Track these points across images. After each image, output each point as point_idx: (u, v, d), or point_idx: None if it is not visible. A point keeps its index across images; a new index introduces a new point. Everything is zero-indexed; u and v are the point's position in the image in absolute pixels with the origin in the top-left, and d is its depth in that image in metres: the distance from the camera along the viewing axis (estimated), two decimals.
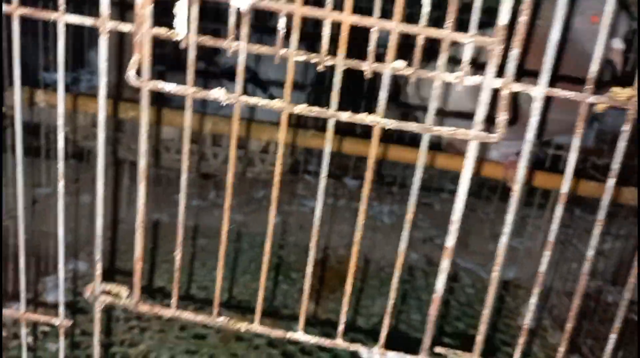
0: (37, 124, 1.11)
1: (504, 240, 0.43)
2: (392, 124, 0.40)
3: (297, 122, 1.41)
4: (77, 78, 1.89)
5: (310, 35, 1.46)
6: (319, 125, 1.62)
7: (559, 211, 0.45)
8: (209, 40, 0.41)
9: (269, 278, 1.44)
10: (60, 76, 0.43)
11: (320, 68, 0.41)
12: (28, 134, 1.14)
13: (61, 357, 0.50)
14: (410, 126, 0.40)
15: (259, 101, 0.40)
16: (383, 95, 0.40)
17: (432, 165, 1.06)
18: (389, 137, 1.29)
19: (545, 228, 1.64)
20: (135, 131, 1.12)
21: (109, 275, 1.35)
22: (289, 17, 0.39)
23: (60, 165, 0.47)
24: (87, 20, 0.41)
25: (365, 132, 1.74)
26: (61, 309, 0.50)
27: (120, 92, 1.37)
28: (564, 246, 1.54)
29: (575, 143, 0.41)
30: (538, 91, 0.39)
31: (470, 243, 1.84)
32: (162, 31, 0.41)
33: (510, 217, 0.42)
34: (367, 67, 0.41)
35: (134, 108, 1.04)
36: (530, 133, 0.40)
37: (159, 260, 1.45)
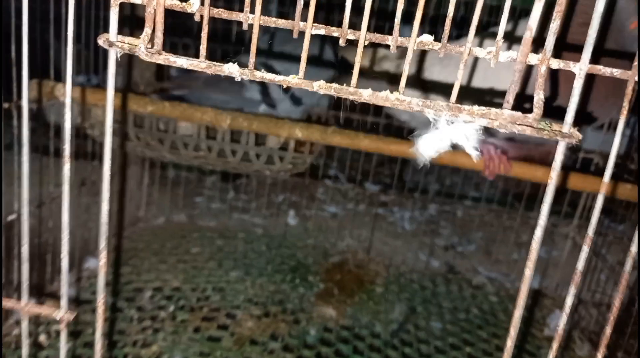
0: (56, 121, 1.10)
1: (535, 248, 0.39)
2: (419, 103, 0.37)
3: (318, 119, 1.40)
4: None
5: (328, 6, 1.44)
6: (340, 123, 1.60)
7: (595, 215, 0.41)
8: (223, 13, 0.39)
9: (285, 280, 1.41)
10: (70, 57, 0.41)
11: (342, 42, 0.39)
12: (49, 131, 1.14)
13: (62, 351, 0.48)
14: (438, 106, 0.37)
15: (274, 76, 0.38)
16: (406, 70, 0.37)
17: (454, 164, 1.02)
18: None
19: (574, 236, 1.58)
20: (153, 126, 1.10)
21: (116, 276, 1.34)
22: None
23: (67, 155, 0.45)
24: None
25: (387, 126, 1.70)
26: (63, 301, 0.47)
27: (138, 87, 1.37)
28: (591, 256, 1.47)
29: (620, 125, 0.37)
30: (580, 67, 0.36)
31: (494, 252, 1.78)
32: (175, 2, 0.39)
33: (542, 223, 0.38)
34: (392, 41, 0.38)
35: (153, 103, 1.02)
36: (570, 116, 0.37)
37: (176, 260, 1.44)
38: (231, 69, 0.37)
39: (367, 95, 0.37)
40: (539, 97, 0.36)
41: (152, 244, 1.52)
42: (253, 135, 1.09)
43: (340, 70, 1.37)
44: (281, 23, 0.39)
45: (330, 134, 1.02)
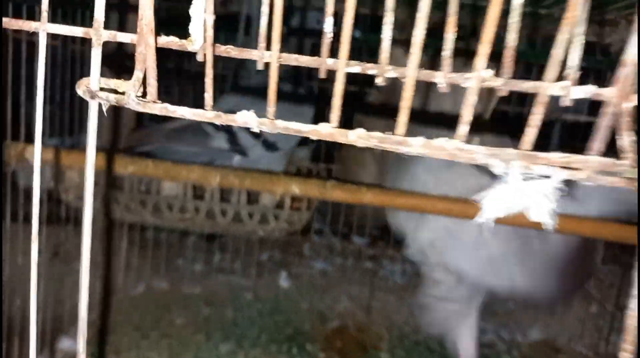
0: (27, 185, 1.01)
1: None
2: (484, 152, 0.30)
3: (298, 171, 1.33)
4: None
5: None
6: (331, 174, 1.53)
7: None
8: (233, 50, 0.32)
9: (282, 351, 1.29)
10: (39, 100, 0.33)
11: (379, 81, 0.32)
12: (18, 196, 1.04)
13: None
14: (507, 154, 0.30)
15: (300, 126, 0.30)
16: (467, 114, 0.30)
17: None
18: None
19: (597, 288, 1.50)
20: (134, 188, 1.01)
21: (101, 352, 1.20)
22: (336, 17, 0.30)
23: (35, 225, 0.36)
24: (76, 30, 0.32)
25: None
26: None
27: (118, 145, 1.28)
28: (603, 307, 1.40)
29: None
30: None
31: (494, 305, 1.68)
32: (172, 40, 0.31)
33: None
34: (443, 78, 0.31)
35: (134, 162, 0.94)
36: None
37: (159, 334, 1.30)
38: (247, 118, 0.30)
39: (419, 145, 0.30)
40: (630, 139, 0.29)
41: (132, 316, 1.39)
42: (245, 193, 1.01)
43: (321, 103, 1.34)
44: (305, 61, 0.32)
45: (330, 189, 0.94)
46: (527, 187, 0.31)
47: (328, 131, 0.30)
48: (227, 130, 1.17)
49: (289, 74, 1.34)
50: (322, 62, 0.32)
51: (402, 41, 0.85)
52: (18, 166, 0.99)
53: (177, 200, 1.02)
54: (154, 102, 0.30)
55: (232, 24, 1.48)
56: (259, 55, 0.31)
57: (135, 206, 1.03)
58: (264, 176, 0.96)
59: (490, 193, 0.32)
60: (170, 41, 0.31)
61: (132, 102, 0.30)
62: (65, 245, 1.28)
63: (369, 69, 0.31)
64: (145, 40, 0.30)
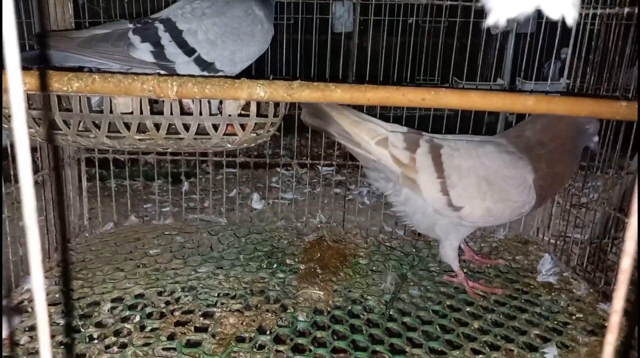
0: None
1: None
2: None
3: None
4: None
5: None
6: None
7: None
8: None
9: (262, 268, 1.27)
10: None
11: None
12: None
13: None
14: None
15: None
16: None
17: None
18: None
19: None
20: (85, 107, 0.93)
21: None
22: None
23: None
24: None
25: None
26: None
27: None
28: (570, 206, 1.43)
29: None
30: None
31: None
32: None
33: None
34: None
35: (78, 78, 0.85)
36: None
37: (133, 265, 1.26)
38: None
39: None
40: None
41: (103, 252, 1.34)
42: (207, 103, 0.94)
43: None
44: None
45: (297, 89, 0.88)
46: None
47: None
48: (155, 41, 1.05)
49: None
50: None
51: None
52: None
53: (133, 117, 0.94)
54: None
55: None
56: None
57: (89, 129, 0.95)
58: (225, 81, 0.89)
59: None
60: None
61: None
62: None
63: None
64: None
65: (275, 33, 1.22)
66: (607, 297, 1.20)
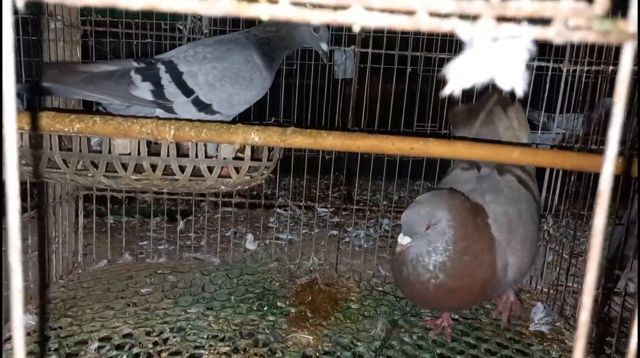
0: None
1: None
2: (449, 5, 0.28)
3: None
4: None
5: None
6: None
7: None
8: None
9: (252, 310, 1.27)
10: None
11: None
12: None
13: None
14: (473, 6, 0.28)
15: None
16: None
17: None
18: None
19: (547, 229, 1.55)
20: (84, 147, 0.95)
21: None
22: None
23: None
24: None
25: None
26: None
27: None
28: (563, 241, 1.44)
29: None
30: None
31: None
32: None
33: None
34: None
35: (80, 119, 0.88)
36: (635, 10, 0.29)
37: (124, 303, 1.26)
38: None
39: (379, 7, 0.28)
40: None
41: (94, 290, 1.33)
42: (202, 146, 0.97)
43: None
44: None
45: (291, 135, 0.91)
46: (495, 50, 0.29)
47: None
48: (155, 81, 1.09)
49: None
50: None
51: None
52: None
53: (131, 158, 0.97)
54: None
55: None
56: None
57: (87, 168, 0.98)
58: (221, 126, 0.92)
59: (457, 61, 0.30)
60: None
61: None
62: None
63: None
64: None
65: (277, 78, 1.27)
66: (600, 350, 1.19)
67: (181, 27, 1.95)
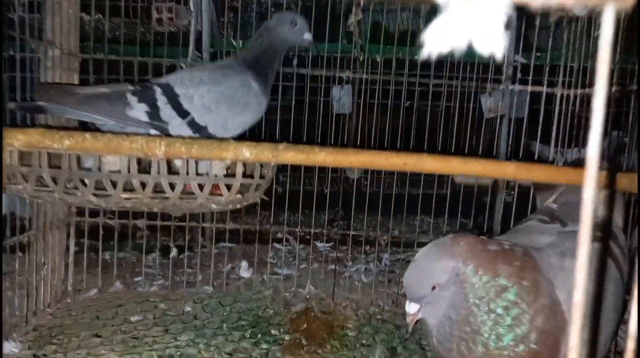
0: None
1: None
2: None
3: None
4: None
5: None
6: None
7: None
8: None
9: (245, 337, 1.22)
10: None
11: None
12: None
13: None
14: None
15: None
16: None
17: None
18: None
19: None
20: (73, 164, 0.94)
21: None
22: None
23: None
24: None
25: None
26: None
27: None
28: None
29: None
30: None
31: None
32: None
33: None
34: None
35: (70, 136, 0.87)
36: None
37: (111, 331, 1.22)
38: None
39: None
40: None
41: (83, 318, 1.29)
42: (193, 163, 0.95)
43: None
44: None
45: (282, 151, 0.90)
46: (472, 13, 0.28)
47: None
48: (151, 103, 1.09)
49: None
50: None
51: None
52: None
53: (121, 176, 0.95)
54: None
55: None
56: None
57: (75, 186, 0.96)
58: (212, 142, 0.91)
59: (433, 26, 0.29)
60: None
61: None
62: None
63: None
64: None
65: (273, 114, 1.26)
66: None
67: (183, 65, 1.99)
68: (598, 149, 0.31)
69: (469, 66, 1.73)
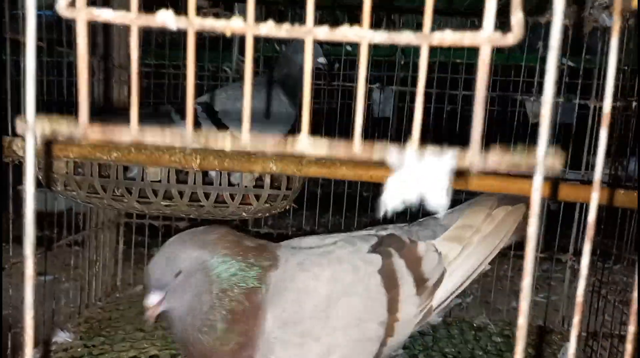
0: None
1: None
2: (382, 36, 0.33)
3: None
4: None
5: None
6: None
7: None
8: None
9: None
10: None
11: None
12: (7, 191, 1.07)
13: None
14: (406, 37, 0.32)
15: (213, 22, 0.33)
16: None
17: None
18: None
19: (572, 264, 1.51)
20: (120, 175, 1.05)
21: None
22: None
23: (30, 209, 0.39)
24: None
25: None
26: None
27: None
28: (594, 283, 1.39)
29: None
30: None
31: (492, 301, 1.66)
32: None
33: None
34: None
35: (118, 148, 0.97)
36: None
37: (153, 326, 1.32)
38: (165, 17, 0.33)
39: (323, 33, 0.33)
40: (518, 17, 0.32)
41: (128, 312, 1.41)
42: (225, 175, 1.04)
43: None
44: None
45: (306, 165, 0.97)
46: (422, 173, 0.32)
47: (240, 25, 0.33)
48: (195, 120, 1.19)
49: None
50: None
51: None
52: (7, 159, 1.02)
53: (161, 186, 1.05)
54: (83, 8, 0.33)
55: None
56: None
57: (122, 194, 1.07)
58: (242, 155, 0.99)
59: (391, 181, 0.33)
60: None
61: (63, 9, 0.33)
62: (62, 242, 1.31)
63: None
64: None
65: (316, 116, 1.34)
66: None
67: (227, 68, 2.09)
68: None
69: (513, 69, 1.70)
